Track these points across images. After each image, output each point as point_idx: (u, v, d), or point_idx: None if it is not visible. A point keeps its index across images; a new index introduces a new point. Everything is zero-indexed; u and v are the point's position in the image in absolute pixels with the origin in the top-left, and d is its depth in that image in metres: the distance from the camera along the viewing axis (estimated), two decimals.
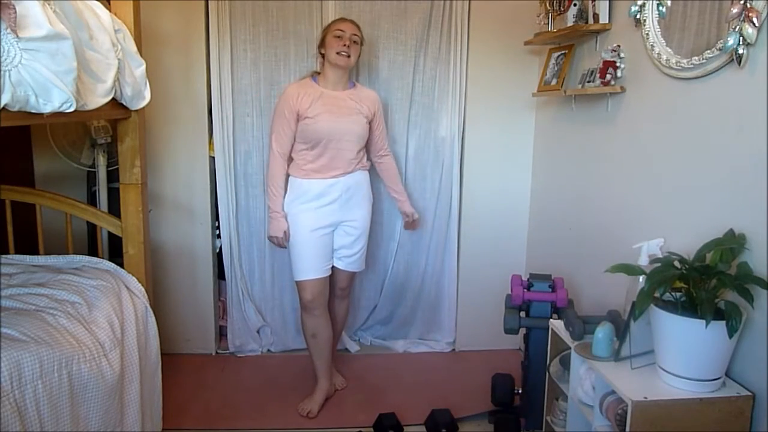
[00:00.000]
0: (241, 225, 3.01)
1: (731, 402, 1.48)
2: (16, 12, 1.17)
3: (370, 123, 2.52)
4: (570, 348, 1.87)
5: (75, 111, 1.41)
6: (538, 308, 2.24)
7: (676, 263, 1.53)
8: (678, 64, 1.76)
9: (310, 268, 2.45)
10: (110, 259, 2.23)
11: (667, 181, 1.88)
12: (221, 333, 3.18)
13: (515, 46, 2.89)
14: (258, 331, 3.11)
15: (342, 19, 2.52)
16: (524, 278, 2.31)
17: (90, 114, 1.72)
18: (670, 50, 1.82)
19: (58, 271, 2.04)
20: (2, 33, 1.17)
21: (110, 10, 1.85)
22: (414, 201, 3.05)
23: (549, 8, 2.48)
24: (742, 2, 1.45)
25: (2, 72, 1.19)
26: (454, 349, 3.21)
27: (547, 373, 2.11)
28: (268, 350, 3.13)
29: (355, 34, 2.43)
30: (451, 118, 3.00)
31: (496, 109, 3.01)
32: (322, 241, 2.47)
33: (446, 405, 2.49)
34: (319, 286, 2.48)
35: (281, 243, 2.48)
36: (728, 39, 1.50)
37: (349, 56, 2.40)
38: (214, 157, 2.93)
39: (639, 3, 1.93)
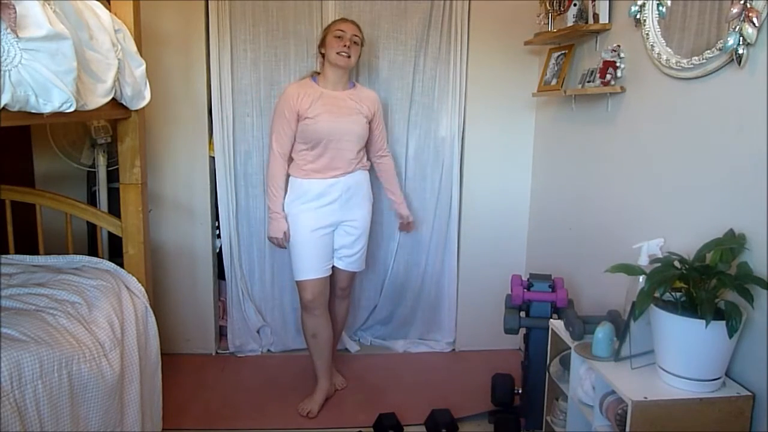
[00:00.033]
0: (241, 225, 3.01)
1: (731, 402, 1.48)
2: (16, 12, 1.17)
3: (369, 123, 2.52)
4: (570, 348, 1.87)
5: (75, 111, 1.41)
6: (538, 308, 2.24)
7: (676, 263, 1.53)
8: (678, 64, 1.76)
9: (310, 268, 2.45)
10: (110, 259, 2.23)
11: (667, 181, 1.88)
12: (221, 333, 3.18)
13: (515, 46, 2.89)
14: (258, 331, 3.11)
15: (343, 20, 2.52)
16: (524, 278, 2.31)
17: (90, 114, 1.72)
18: (670, 50, 1.82)
19: (58, 271, 2.04)
20: (2, 33, 1.17)
21: (110, 10, 1.85)
22: (414, 201, 3.07)
23: (549, 8, 2.48)
24: (742, 2, 1.45)
25: (2, 72, 1.19)
26: (454, 349, 3.21)
27: (547, 373, 2.11)
28: (268, 350, 3.13)
29: (356, 35, 2.43)
30: (451, 118, 3.00)
31: (496, 109, 3.01)
32: (323, 241, 2.47)
33: (446, 405, 2.49)
34: (320, 286, 2.48)
35: (281, 244, 2.48)
36: (728, 39, 1.50)
37: (349, 56, 2.40)
38: (214, 157, 2.93)
39: (639, 3, 1.93)
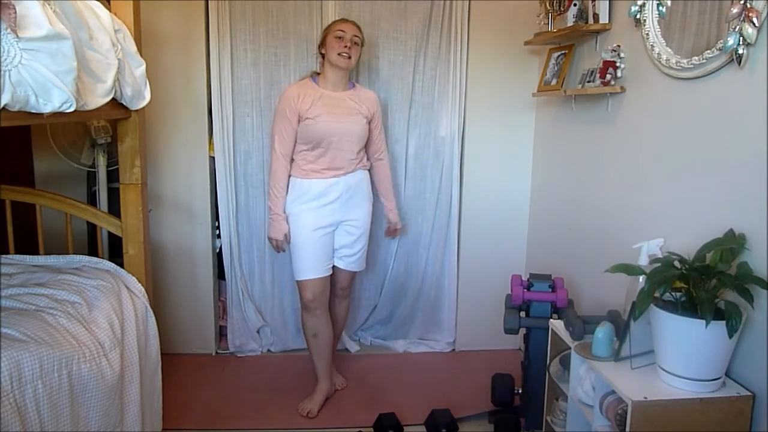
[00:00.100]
0: (241, 225, 3.01)
1: (731, 402, 1.48)
2: (16, 12, 1.17)
3: (369, 123, 2.52)
4: (570, 348, 1.87)
5: (75, 111, 1.41)
6: (538, 308, 2.24)
7: (676, 263, 1.53)
8: (678, 64, 1.76)
9: (310, 267, 2.45)
10: (110, 259, 2.23)
11: (667, 181, 1.88)
12: (221, 333, 3.18)
13: (515, 46, 2.89)
14: (258, 331, 3.11)
15: (343, 20, 2.52)
16: (524, 278, 2.31)
17: (90, 114, 1.72)
18: (670, 50, 1.82)
19: (58, 271, 2.04)
20: (2, 33, 1.17)
21: (110, 10, 1.85)
22: (414, 201, 3.07)
23: (549, 8, 2.48)
24: (742, 2, 1.45)
25: (2, 72, 1.19)
26: (454, 349, 3.21)
27: (547, 373, 2.11)
28: (268, 350, 3.13)
29: (356, 35, 2.43)
30: (451, 118, 3.00)
31: (496, 109, 3.01)
32: (323, 241, 2.47)
33: (446, 405, 2.49)
34: (320, 286, 2.48)
35: (279, 245, 2.48)
36: (728, 39, 1.50)
37: (349, 57, 2.40)
38: (214, 157, 2.93)
39: (639, 3, 1.93)
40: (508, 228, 3.12)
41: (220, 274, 3.11)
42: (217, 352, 3.11)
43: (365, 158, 2.57)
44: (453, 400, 2.60)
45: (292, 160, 2.47)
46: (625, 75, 2.13)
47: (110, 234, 2.25)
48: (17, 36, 1.19)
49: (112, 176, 2.81)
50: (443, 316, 3.21)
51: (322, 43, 2.46)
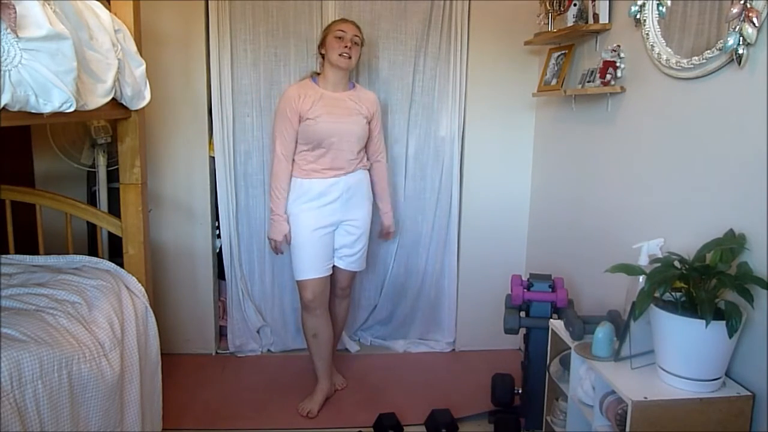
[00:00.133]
0: (241, 225, 3.01)
1: (731, 402, 1.48)
2: (16, 12, 1.17)
3: (369, 123, 2.52)
4: (570, 348, 1.87)
5: (75, 111, 1.41)
6: (538, 308, 2.24)
7: (676, 263, 1.53)
8: (678, 64, 1.76)
9: (311, 267, 2.45)
10: (110, 259, 2.23)
11: (667, 181, 1.88)
12: (221, 333, 3.18)
13: (515, 46, 2.89)
14: (258, 331, 3.11)
15: (343, 20, 2.51)
16: (524, 278, 2.32)
17: (90, 114, 1.72)
18: (670, 50, 1.82)
19: (58, 271, 2.04)
20: (2, 33, 1.17)
21: (110, 10, 1.85)
22: (414, 201, 3.07)
23: (549, 8, 2.48)
24: (742, 2, 1.45)
25: (2, 72, 1.19)
26: (454, 349, 3.21)
27: (547, 373, 2.11)
28: (268, 350, 3.13)
29: (356, 35, 2.43)
30: (451, 118, 3.00)
31: (496, 109, 3.01)
32: (323, 241, 2.47)
33: (446, 405, 2.49)
34: (320, 286, 2.48)
35: (277, 247, 2.48)
36: (728, 39, 1.50)
37: (350, 57, 2.40)
38: (214, 157, 2.93)
39: (639, 3, 1.93)
40: (508, 228, 3.12)
41: (220, 274, 3.11)
42: (217, 352, 3.11)
43: (365, 158, 2.57)
44: (453, 400, 2.60)
45: (293, 160, 2.47)
46: (625, 75, 2.13)
47: (110, 234, 2.25)
48: (17, 36, 1.19)
49: (112, 176, 2.81)
50: (443, 316, 3.22)
51: (322, 44, 2.46)
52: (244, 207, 3.00)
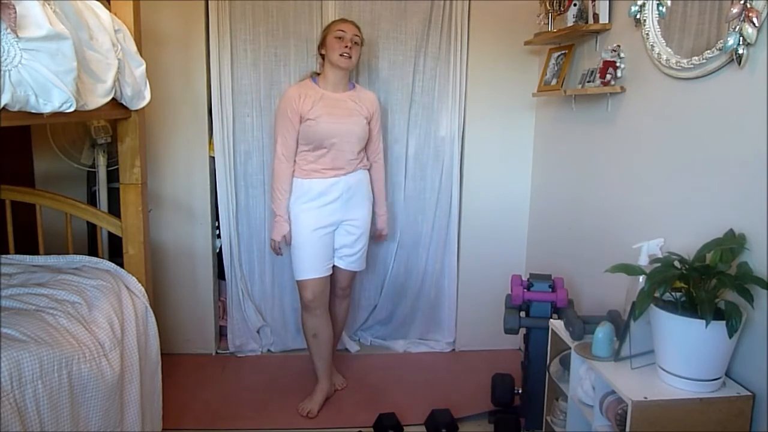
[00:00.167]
0: (241, 225, 3.01)
1: (731, 402, 1.48)
2: (16, 12, 1.17)
3: (368, 123, 2.52)
4: (570, 348, 1.87)
5: (75, 111, 1.41)
6: (538, 308, 2.24)
7: (676, 263, 1.53)
8: (678, 64, 1.76)
9: (311, 267, 2.45)
10: (110, 259, 2.23)
11: (667, 181, 1.88)
12: (221, 333, 3.18)
13: (515, 46, 2.89)
14: (258, 331, 3.11)
15: (342, 20, 2.51)
16: (524, 278, 2.31)
17: (90, 114, 1.72)
18: (670, 50, 1.82)
19: (58, 271, 2.04)
20: (2, 33, 1.17)
21: (110, 10, 1.85)
22: (414, 201, 3.07)
23: (549, 8, 2.48)
24: (742, 2, 1.45)
25: (2, 72, 1.19)
26: (454, 349, 3.21)
27: (547, 373, 2.11)
28: (268, 350, 3.13)
29: (356, 35, 2.43)
30: (451, 118, 3.00)
31: (496, 109, 3.01)
32: (323, 241, 2.47)
33: (446, 405, 2.48)
34: (320, 286, 2.48)
35: (275, 247, 2.48)
36: (728, 39, 1.50)
37: (350, 57, 2.40)
38: (214, 157, 2.93)
39: (639, 3, 1.93)
40: (508, 228, 3.12)
41: (220, 274, 3.11)
42: (217, 352, 3.11)
43: (365, 158, 2.57)
44: (453, 400, 2.60)
45: (294, 161, 2.47)
46: (625, 75, 2.13)
47: (110, 234, 2.25)
48: (17, 36, 1.19)
49: (112, 176, 2.81)
50: (443, 316, 3.21)
51: (322, 44, 2.46)
52: (244, 207, 3.00)
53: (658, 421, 1.46)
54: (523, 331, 2.33)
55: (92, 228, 2.79)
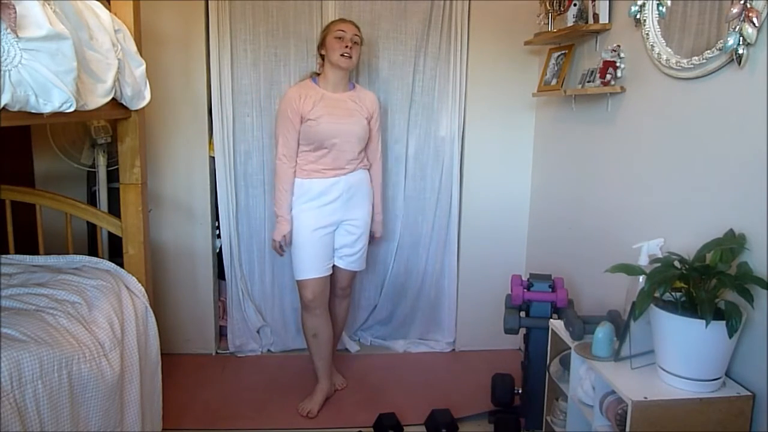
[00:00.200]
0: (241, 225, 3.01)
1: (731, 402, 1.48)
2: (16, 12, 1.17)
3: (369, 123, 2.52)
4: (570, 348, 1.87)
5: (75, 111, 1.41)
6: (538, 308, 2.24)
7: (676, 263, 1.53)
8: (678, 64, 1.76)
9: (311, 267, 2.45)
10: (110, 259, 2.23)
11: (667, 181, 1.88)
12: (221, 333, 3.18)
13: (515, 46, 2.89)
14: (258, 331, 3.11)
15: (341, 20, 2.51)
16: (524, 278, 2.31)
17: (90, 114, 1.72)
18: (670, 50, 1.82)
19: (58, 271, 2.04)
20: (2, 33, 1.17)
21: (110, 10, 1.85)
22: (414, 201, 3.07)
23: (549, 8, 2.48)
24: (742, 2, 1.45)
25: (2, 72, 1.19)
26: (454, 349, 3.21)
27: (547, 373, 2.11)
28: (268, 350, 3.13)
29: (356, 35, 2.43)
30: (451, 118, 3.00)
31: (496, 109, 3.01)
32: (324, 241, 2.47)
33: (446, 405, 2.48)
34: (320, 286, 2.48)
35: (277, 247, 2.48)
36: (728, 39, 1.50)
37: (351, 57, 2.40)
38: (214, 157, 2.93)
39: (639, 3, 1.93)
40: (508, 228, 3.11)
41: (220, 274, 3.11)
42: (217, 352, 3.11)
43: (366, 158, 2.57)
44: (453, 400, 2.60)
45: (295, 161, 2.47)
46: (625, 75, 2.13)
47: (110, 234, 2.25)
48: (17, 36, 1.19)
49: (112, 176, 2.81)
50: (443, 316, 3.21)
51: (322, 45, 2.46)
52: (244, 207, 3.00)
53: (658, 421, 1.46)
54: (523, 331, 2.33)
55: (92, 228, 2.79)
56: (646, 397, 1.47)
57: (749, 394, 1.49)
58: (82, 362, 1.62)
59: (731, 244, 1.50)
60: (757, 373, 1.49)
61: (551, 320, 2.10)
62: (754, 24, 1.44)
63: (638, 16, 1.95)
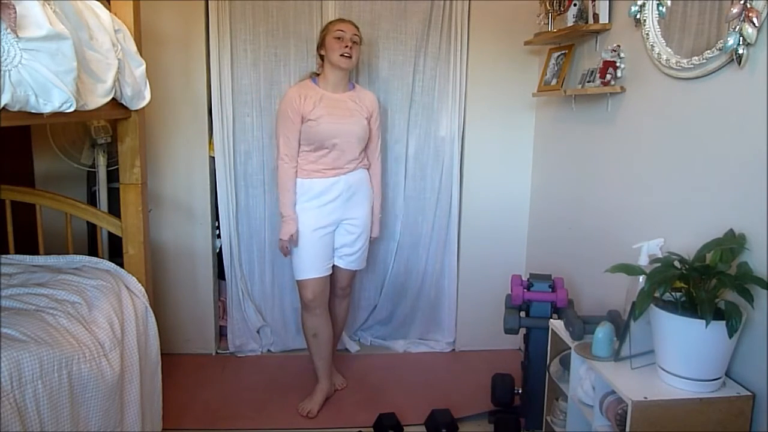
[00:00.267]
0: (241, 225, 3.01)
1: (731, 402, 1.48)
2: (16, 12, 1.17)
3: (368, 123, 2.52)
4: (570, 348, 1.87)
5: (75, 111, 1.41)
6: (538, 308, 2.24)
7: (676, 263, 1.53)
8: (678, 64, 1.76)
9: (311, 267, 2.45)
10: (110, 259, 2.23)
11: (667, 181, 1.88)
12: (221, 333, 3.18)
13: (515, 46, 2.89)
14: (258, 331, 3.11)
15: (340, 20, 2.51)
16: (524, 278, 2.31)
17: (90, 114, 1.72)
18: (670, 50, 1.82)
19: (58, 271, 2.04)
20: (2, 33, 1.17)
21: (110, 10, 1.85)
22: (414, 201, 3.07)
23: (549, 8, 2.48)
24: (742, 2, 1.45)
25: (2, 72, 1.19)
26: (454, 349, 3.21)
27: (547, 373, 2.11)
28: (268, 350, 3.13)
29: (355, 34, 2.42)
30: (451, 118, 3.00)
31: (496, 109, 3.01)
32: (324, 241, 2.47)
33: (446, 405, 2.48)
34: (320, 285, 2.48)
35: (284, 246, 2.44)
36: (728, 39, 1.50)
37: (350, 57, 2.40)
38: (214, 157, 2.93)
39: (639, 3, 1.93)
40: (508, 228, 3.11)
41: (220, 274, 3.11)
42: (217, 352, 3.11)
43: (366, 158, 2.57)
44: (453, 400, 2.60)
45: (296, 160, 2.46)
46: (625, 75, 2.13)
47: (110, 234, 2.25)
48: (17, 36, 1.19)
49: (112, 176, 2.81)
50: (443, 316, 3.21)
51: (321, 45, 2.46)
52: (244, 207, 3.00)
53: (658, 421, 1.46)
54: (523, 331, 2.33)
55: (92, 228, 2.79)
56: (646, 397, 1.47)
57: (749, 394, 1.49)
58: (82, 362, 1.62)
59: (731, 244, 1.50)
60: (757, 373, 1.49)
61: (551, 320, 2.10)
62: (754, 24, 1.44)
63: (638, 16, 1.95)
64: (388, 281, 3.15)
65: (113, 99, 1.79)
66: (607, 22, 2.23)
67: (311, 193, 2.43)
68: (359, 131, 2.46)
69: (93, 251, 2.76)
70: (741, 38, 1.47)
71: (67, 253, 2.23)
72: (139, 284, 2.11)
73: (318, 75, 2.50)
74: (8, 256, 2.21)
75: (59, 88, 1.31)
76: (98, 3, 1.73)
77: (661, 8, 1.85)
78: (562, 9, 2.40)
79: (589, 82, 2.26)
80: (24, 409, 1.43)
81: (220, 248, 3.05)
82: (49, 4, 1.31)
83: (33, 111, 1.31)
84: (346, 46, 2.38)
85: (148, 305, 2.10)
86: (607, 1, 2.21)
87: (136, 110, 2.05)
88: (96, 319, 1.79)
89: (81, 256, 2.20)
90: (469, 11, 2.92)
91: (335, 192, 2.45)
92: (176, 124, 2.89)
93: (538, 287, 2.25)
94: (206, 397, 2.62)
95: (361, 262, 2.63)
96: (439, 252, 3.13)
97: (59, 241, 2.38)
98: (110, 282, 2.00)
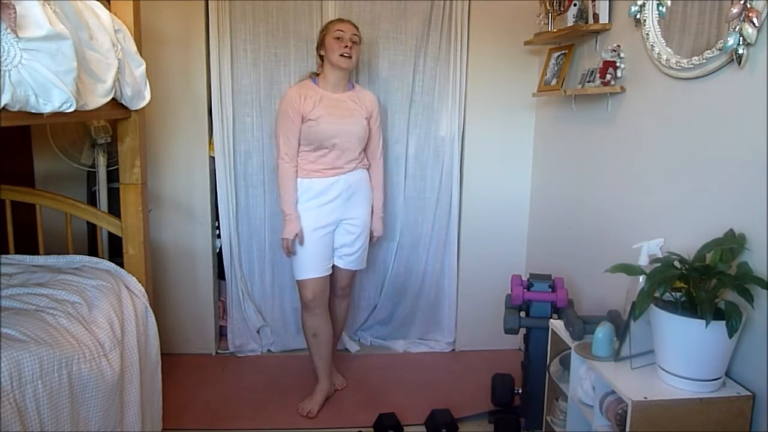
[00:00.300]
0: (241, 225, 3.01)
1: (731, 402, 1.48)
2: (16, 12, 1.17)
3: (368, 123, 2.52)
4: (570, 348, 1.87)
5: (75, 111, 1.41)
6: (538, 308, 2.24)
7: (676, 263, 1.53)
8: (678, 64, 1.76)
9: (311, 267, 2.45)
10: (110, 259, 2.23)
11: (667, 181, 1.88)
12: (221, 333, 3.18)
13: (515, 46, 2.89)
14: (258, 331, 3.11)
15: (340, 20, 2.51)
16: (524, 278, 2.31)
17: (90, 114, 1.72)
18: (670, 50, 1.82)
19: (58, 271, 2.04)
20: (2, 33, 1.17)
21: (110, 10, 1.85)
22: (414, 201, 3.07)
23: (549, 8, 2.48)
24: (742, 2, 1.45)
25: (2, 72, 1.19)
26: (454, 349, 3.21)
27: (547, 373, 2.11)
28: (268, 350, 3.13)
29: (355, 34, 2.43)
30: (451, 118, 3.00)
31: (496, 109, 3.01)
32: (323, 241, 2.47)
33: (446, 405, 2.49)
34: (320, 285, 2.48)
35: (289, 246, 2.42)
36: (728, 39, 1.50)
37: (350, 57, 2.40)
38: (214, 157, 2.93)
39: (639, 3, 1.93)
40: (508, 228, 3.11)
41: (220, 274, 3.11)
42: (217, 352, 3.11)
43: (366, 158, 2.57)
44: (453, 400, 2.60)
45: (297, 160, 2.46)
46: (625, 75, 2.13)
47: (110, 234, 2.25)
48: (17, 36, 1.19)
49: (112, 176, 2.81)
50: (443, 316, 3.21)
51: (321, 45, 2.46)
52: (244, 207, 3.00)
53: (658, 421, 1.46)
54: (523, 331, 2.33)
55: (92, 228, 2.79)
56: (646, 397, 1.47)
57: (749, 394, 1.49)
58: (82, 362, 1.62)
59: (731, 244, 1.50)
60: (757, 373, 1.49)
61: (551, 320, 2.10)
62: (754, 24, 1.44)
63: (638, 16, 1.95)
64: (388, 281, 3.15)
65: (113, 99, 1.79)
66: (607, 22, 2.23)
67: (311, 192, 2.43)
68: (359, 131, 2.46)
69: (93, 251, 2.76)
70: (741, 38, 1.47)
71: (67, 253, 2.23)
72: (139, 284, 2.11)
73: (318, 75, 2.50)
74: (8, 256, 2.21)
75: (59, 88, 1.31)
76: (98, 3, 1.73)
77: (661, 8, 1.85)
78: (562, 9, 2.40)
79: (589, 82, 2.26)
80: (24, 409, 1.43)
81: (220, 248, 3.05)
82: (49, 4, 1.31)
83: (33, 111, 1.31)
84: (346, 46, 2.38)
85: (148, 305, 2.10)
86: (607, 1, 2.21)
87: (136, 110, 2.05)
88: (96, 319, 1.79)
89: (81, 256, 2.20)
90: (469, 11, 2.92)
91: (335, 192, 2.45)
92: (176, 124, 2.89)
93: (538, 287, 2.25)
94: (206, 397, 2.62)
95: (361, 262, 2.63)
96: (439, 252, 3.13)
97: (59, 241, 2.38)
98: (110, 282, 2.00)
